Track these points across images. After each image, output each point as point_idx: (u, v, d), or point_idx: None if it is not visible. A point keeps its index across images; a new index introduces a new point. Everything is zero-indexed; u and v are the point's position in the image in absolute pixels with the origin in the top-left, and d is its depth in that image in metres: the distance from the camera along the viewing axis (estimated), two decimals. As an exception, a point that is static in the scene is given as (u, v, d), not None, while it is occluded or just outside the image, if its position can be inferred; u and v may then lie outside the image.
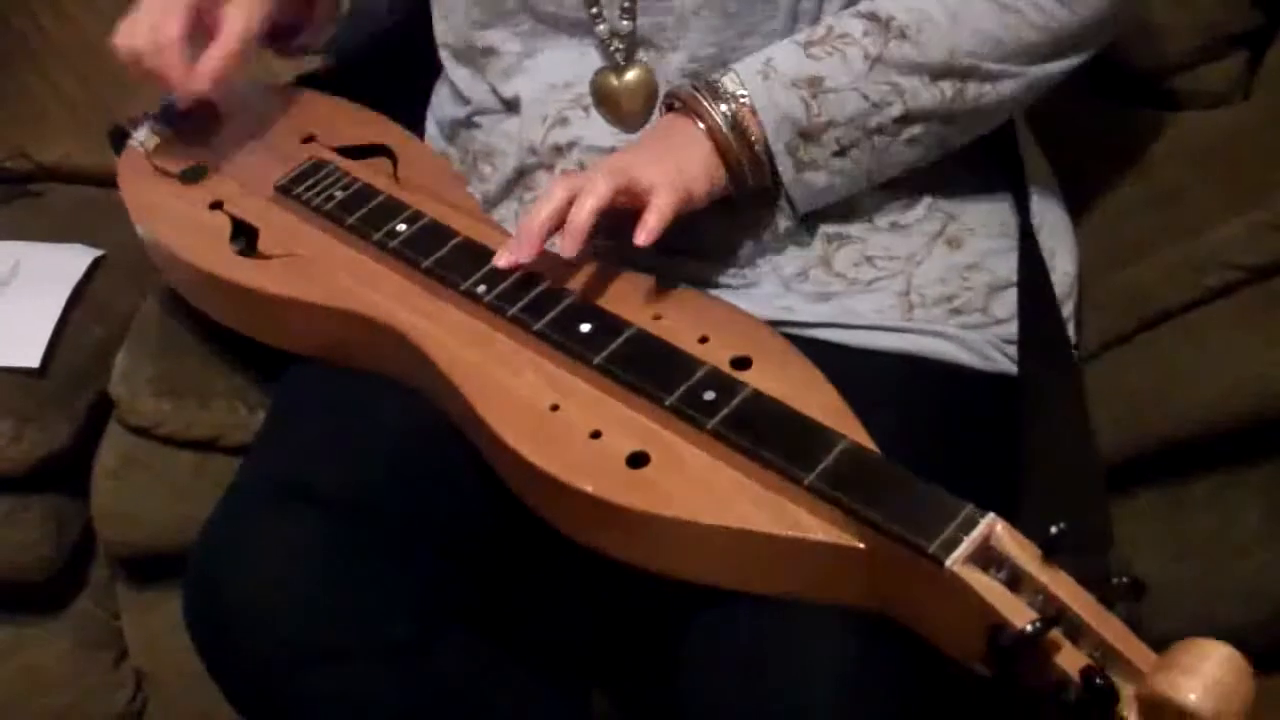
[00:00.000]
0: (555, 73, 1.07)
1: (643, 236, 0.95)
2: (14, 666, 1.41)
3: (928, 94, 0.99)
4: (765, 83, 0.98)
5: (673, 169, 0.97)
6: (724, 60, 1.02)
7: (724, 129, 0.98)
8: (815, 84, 0.98)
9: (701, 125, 0.98)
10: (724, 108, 0.98)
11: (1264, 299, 1.19)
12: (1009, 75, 1.01)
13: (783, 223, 1.02)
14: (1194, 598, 1.26)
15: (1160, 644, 0.80)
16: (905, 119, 1.00)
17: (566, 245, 0.95)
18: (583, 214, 0.94)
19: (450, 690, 1.00)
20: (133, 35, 1.11)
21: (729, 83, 0.99)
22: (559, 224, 0.96)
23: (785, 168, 0.99)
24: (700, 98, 0.99)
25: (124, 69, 1.13)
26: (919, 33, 0.98)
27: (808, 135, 0.99)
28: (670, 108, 1.01)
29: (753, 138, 0.98)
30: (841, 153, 1.00)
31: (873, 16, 0.99)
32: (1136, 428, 1.20)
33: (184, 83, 1.12)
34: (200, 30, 1.12)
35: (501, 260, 0.99)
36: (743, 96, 0.98)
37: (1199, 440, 1.21)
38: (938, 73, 0.99)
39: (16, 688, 1.41)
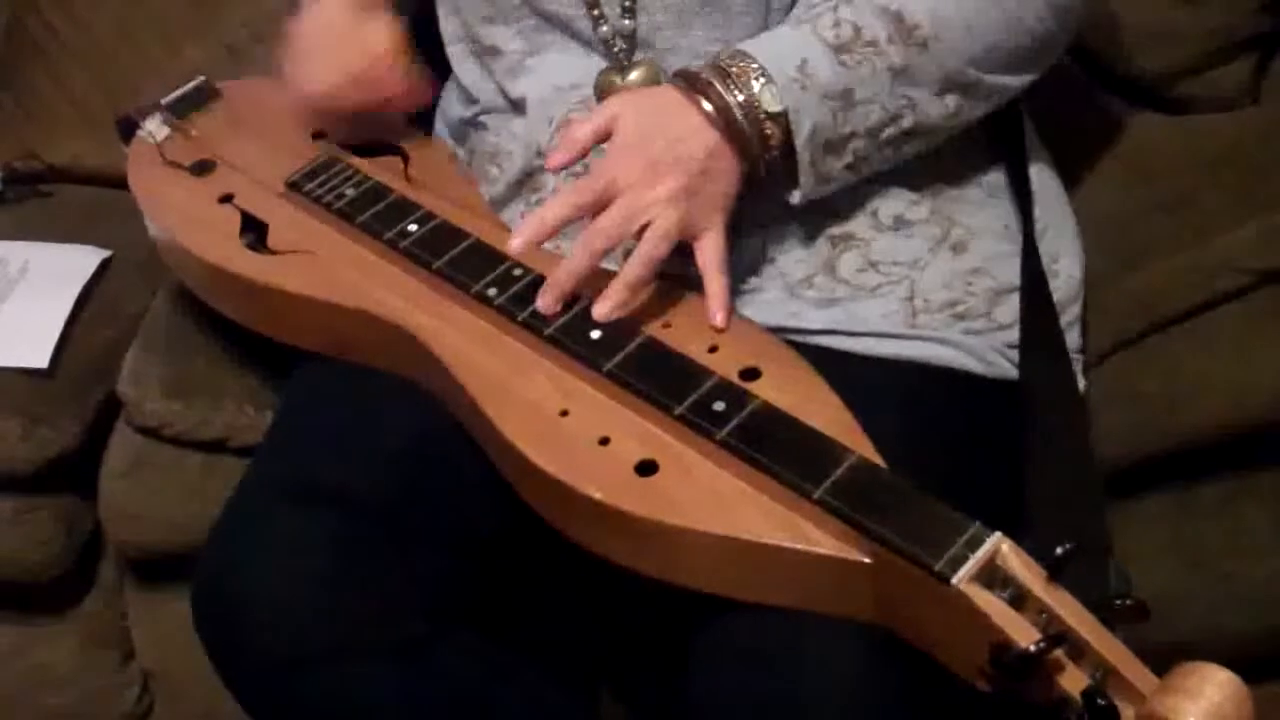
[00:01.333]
0: (561, 74, 1.07)
1: (720, 317, 0.97)
2: (22, 665, 1.41)
3: (934, 109, 0.99)
4: (804, 94, 0.96)
5: (726, 204, 0.97)
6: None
7: (754, 141, 0.96)
8: (847, 96, 0.97)
9: (736, 155, 0.97)
10: (741, 100, 0.96)
11: (1274, 303, 1.19)
12: (996, 91, 1.02)
13: (782, 220, 1.02)
14: (1201, 605, 1.25)
15: (1166, 651, 0.80)
16: (911, 132, 1.00)
17: (629, 279, 0.96)
18: (651, 263, 0.95)
19: (457, 690, 1.00)
20: (325, 77, 1.12)
21: (767, 98, 0.96)
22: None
23: (806, 180, 0.98)
24: (736, 115, 0.96)
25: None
26: (937, 41, 0.98)
27: (831, 147, 0.98)
28: (691, 86, 0.97)
29: (772, 143, 0.97)
30: (853, 165, 0.99)
31: (898, 19, 0.98)
32: (1145, 432, 1.20)
33: (406, 95, 1.13)
34: None
35: (543, 301, 0.98)
36: (777, 111, 0.96)
37: (1208, 445, 1.21)
38: (946, 86, 0.99)
39: (24, 686, 1.41)
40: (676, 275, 1.00)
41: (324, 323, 1.06)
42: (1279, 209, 1.20)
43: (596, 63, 1.05)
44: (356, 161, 1.14)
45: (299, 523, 0.98)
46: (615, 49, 1.04)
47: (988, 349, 1.03)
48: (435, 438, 1.01)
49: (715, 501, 0.87)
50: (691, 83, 0.97)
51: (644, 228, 0.95)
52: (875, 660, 0.87)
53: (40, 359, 1.32)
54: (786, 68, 0.96)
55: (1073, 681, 0.77)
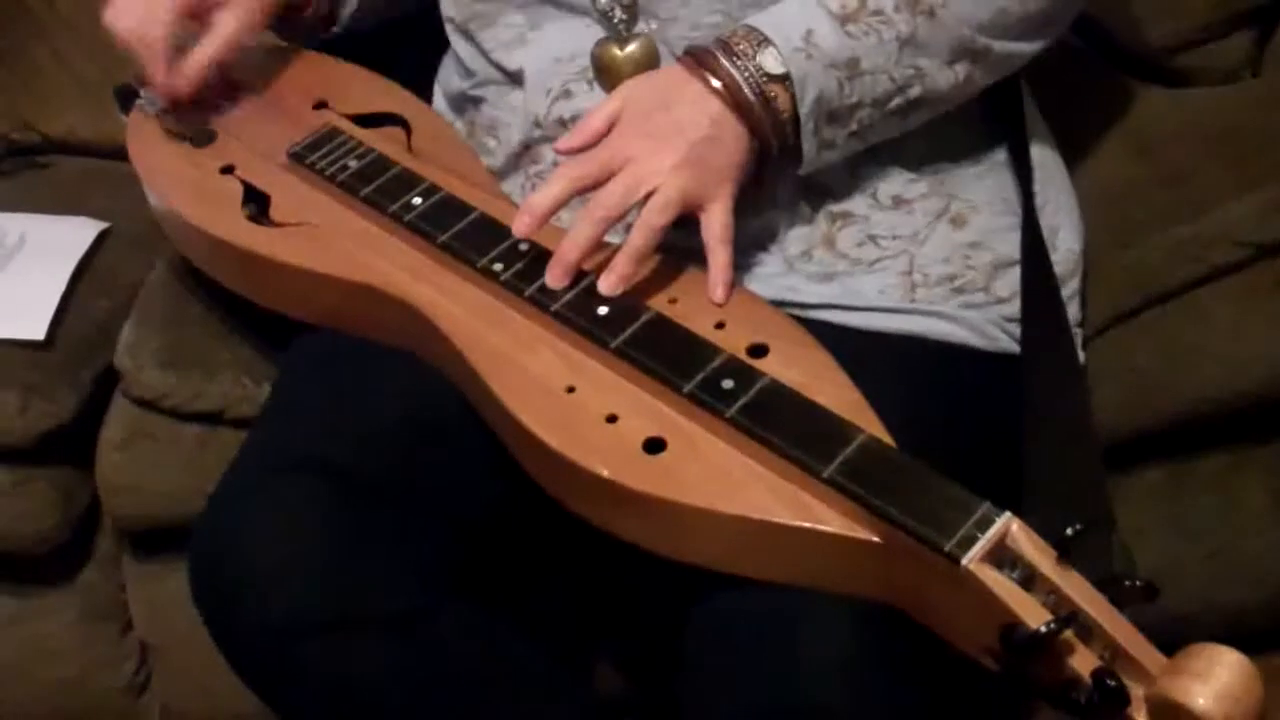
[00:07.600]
0: (559, 46, 1.06)
1: (720, 292, 0.96)
2: (20, 637, 1.41)
3: (942, 78, 0.99)
4: (809, 62, 0.96)
5: (733, 175, 0.96)
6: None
7: (759, 112, 0.96)
8: (852, 66, 0.97)
9: (743, 126, 0.97)
10: (745, 71, 0.96)
11: (1271, 277, 1.19)
12: (1006, 59, 1.01)
13: (782, 195, 1.02)
14: (1197, 578, 1.26)
15: (1161, 623, 0.81)
16: (919, 101, 1.00)
17: (632, 250, 0.95)
18: (653, 232, 0.95)
19: (452, 661, 1.00)
20: (117, 18, 1.12)
21: (770, 62, 0.96)
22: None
23: (809, 147, 0.98)
24: (728, 68, 0.96)
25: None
26: (945, 9, 0.97)
27: (835, 116, 0.98)
28: (698, 62, 0.98)
29: (781, 112, 0.97)
30: (858, 133, 0.99)
31: None
32: (1142, 406, 1.20)
33: (164, 83, 1.12)
34: (194, 20, 1.12)
35: (550, 275, 0.97)
36: (782, 76, 0.96)
37: (1205, 419, 1.21)
38: (956, 55, 0.99)
39: (22, 658, 1.41)
40: (682, 248, 0.99)
41: (327, 296, 1.05)
42: (1277, 182, 1.19)
43: (596, 34, 1.05)
44: (359, 132, 1.13)
45: (296, 495, 0.97)
46: (614, 19, 1.04)
47: (987, 323, 1.03)
48: (434, 410, 1.00)
49: (724, 480, 0.87)
50: (698, 59, 0.98)
51: (648, 198, 0.95)
52: (875, 635, 0.87)
53: (37, 331, 1.32)
54: (792, 37, 0.97)
55: (1082, 662, 0.77)
